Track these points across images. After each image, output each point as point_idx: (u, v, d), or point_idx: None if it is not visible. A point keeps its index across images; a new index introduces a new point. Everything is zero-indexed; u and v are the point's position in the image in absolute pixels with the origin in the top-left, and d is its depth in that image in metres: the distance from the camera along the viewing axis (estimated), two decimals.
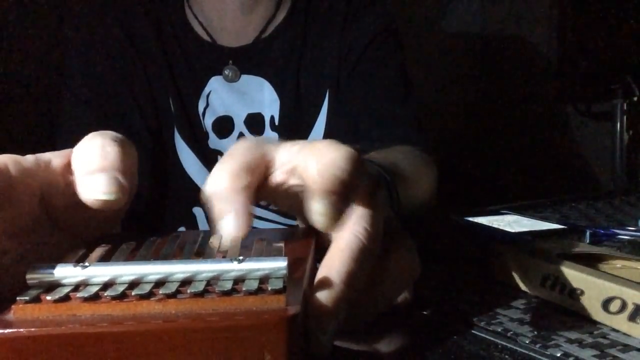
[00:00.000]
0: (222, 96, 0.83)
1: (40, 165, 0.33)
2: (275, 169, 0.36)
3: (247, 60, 0.84)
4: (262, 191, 0.36)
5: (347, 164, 0.33)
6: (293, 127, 0.84)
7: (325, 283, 0.31)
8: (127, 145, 0.35)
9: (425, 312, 0.42)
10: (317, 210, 0.31)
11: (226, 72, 0.83)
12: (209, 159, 0.84)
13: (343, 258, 0.32)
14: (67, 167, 0.35)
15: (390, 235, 0.37)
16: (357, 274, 0.32)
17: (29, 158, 0.33)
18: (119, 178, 0.32)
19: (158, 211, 0.84)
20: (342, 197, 0.32)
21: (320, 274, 0.31)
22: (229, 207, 0.33)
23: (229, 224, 0.33)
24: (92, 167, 0.32)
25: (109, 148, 0.33)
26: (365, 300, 0.34)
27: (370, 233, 0.33)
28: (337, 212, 0.31)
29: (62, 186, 0.34)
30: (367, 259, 0.33)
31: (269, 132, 0.84)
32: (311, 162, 0.35)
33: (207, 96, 0.83)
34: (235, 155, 0.35)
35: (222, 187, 0.34)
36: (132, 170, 0.34)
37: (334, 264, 0.31)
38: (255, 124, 0.83)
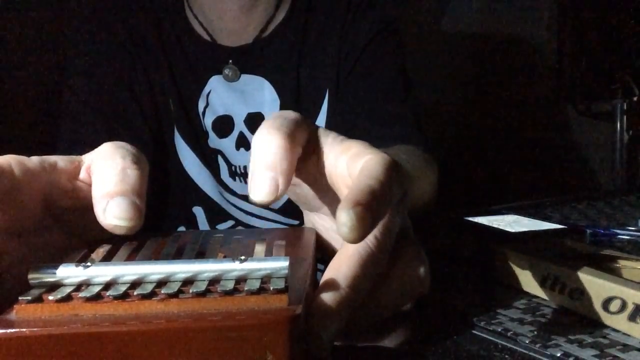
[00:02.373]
0: (222, 96, 0.83)
1: (45, 167, 0.33)
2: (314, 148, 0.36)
3: (247, 59, 0.84)
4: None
5: (384, 175, 0.31)
6: None
7: (331, 285, 0.31)
8: (144, 163, 0.34)
9: (425, 312, 0.42)
10: (343, 222, 0.28)
11: (226, 71, 0.83)
12: (209, 158, 0.84)
13: (350, 263, 0.31)
14: (75, 172, 0.35)
15: (403, 246, 0.36)
16: (362, 279, 0.31)
17: (34, 159, 0.33)
18: (137, 203, 0.32)
19: (158, 210, 0.84)
20: (373, 210, 0.29)
21: (327, 275, 0.31)
22: (275, 167, 0.32)
23: (264, 185, 0.32)
24: (112, 188, 0.32)
25: (130, 171, 0.33)
26: (367, 306, 0.34)
27: (380, 242, 0.33)
28: (365, 226, 0.28)
29: (67, 189, 0.34)
30: (374, 266, 0.32)
31: None
32: (341, 162, 0.35)
33: (207, 95, 0.83)
34: (286, 118, 0.35)
35: (275, 145, 0.33)
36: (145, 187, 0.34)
37: (341, 268, 0.31)
38: (255, 123, 0.84)
